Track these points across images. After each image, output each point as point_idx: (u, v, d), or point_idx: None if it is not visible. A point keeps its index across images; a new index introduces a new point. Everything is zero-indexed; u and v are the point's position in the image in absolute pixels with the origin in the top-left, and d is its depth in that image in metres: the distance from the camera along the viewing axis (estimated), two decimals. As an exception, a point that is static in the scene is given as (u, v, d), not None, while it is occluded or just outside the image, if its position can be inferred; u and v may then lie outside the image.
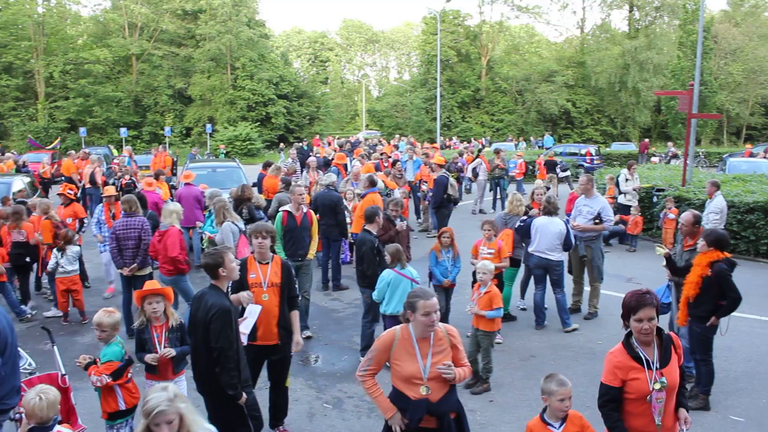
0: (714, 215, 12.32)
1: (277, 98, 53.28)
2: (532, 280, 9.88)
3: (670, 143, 37.55)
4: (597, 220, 9.88)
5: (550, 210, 9.25)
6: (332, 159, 19.67)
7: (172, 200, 12.85)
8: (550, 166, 23.46)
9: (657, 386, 4.03)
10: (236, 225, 9.26)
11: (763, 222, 13.98)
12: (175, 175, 22.70)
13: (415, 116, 57.63)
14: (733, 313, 6.81)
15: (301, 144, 29.92)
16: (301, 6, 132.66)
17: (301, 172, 21.08)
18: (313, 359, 8.45)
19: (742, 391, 7.33)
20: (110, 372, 5.25)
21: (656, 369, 4.05)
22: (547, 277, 9.44)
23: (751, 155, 31.67)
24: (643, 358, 4.07)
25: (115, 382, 5.28)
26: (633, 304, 4.07)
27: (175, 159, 26.39)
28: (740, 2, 63.91)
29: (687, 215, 7.61)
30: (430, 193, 15.70)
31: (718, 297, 6.67)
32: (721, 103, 53.49)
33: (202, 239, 11.05)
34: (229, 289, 5.47)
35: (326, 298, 11.25)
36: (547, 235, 9.16)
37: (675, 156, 33.22)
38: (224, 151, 39.99)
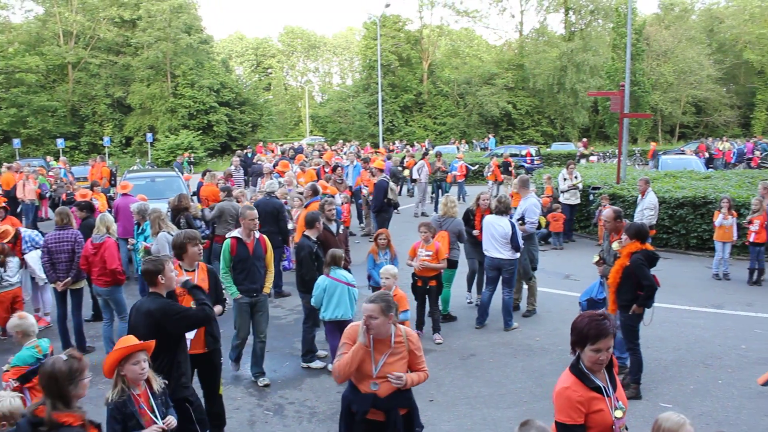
0: (649, 211, 12.73)
1: (218, 106, 52.52)
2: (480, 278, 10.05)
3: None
4: (520, 221, 10.08)
5: (501, 209, 9.34)
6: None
7: (110, 211, 12.63)
8: (505, 167, 23.86)
9: (618, 414, 3.67)
10: (172, 235, 9.15)
11: (692, 216, 14.48)
12: (114, 185, 22.28)
13: (358, 121, 57.85)
14: (663, 304, 7.07)
15: (245, 151, 29.60)
16: (243, 12, 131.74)
17: (246, 180, 20.98)
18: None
19: (672, 379, 7.60)
20: (17, 376, 5.19)
21: (612, 395, 3.69)
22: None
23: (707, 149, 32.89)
24: (602, 387, 3.65)
25: (24, 386, 5.20)
26: (592, 333, 3.58)
27: (113, 170, 25.89)
28: (670, 6, 66.18)
29: (608, 212, 7.96)
30: (370, 198, 15.79)
31: (638, 287, 6.93)
32: (655, 103, 55.24)
33: (136, 250, 10.87)
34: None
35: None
36: (492, 235, 9.30)
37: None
38: (189, 160, 38.24)
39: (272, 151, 33.36)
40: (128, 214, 11.91)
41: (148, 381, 4.33)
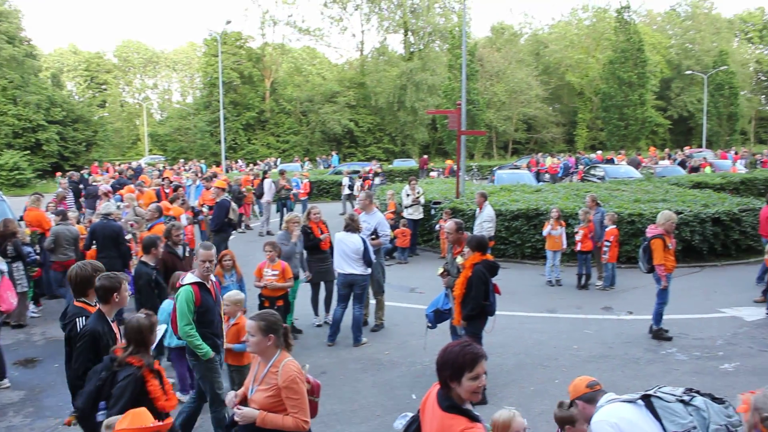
0: (487, 223, 13.31)
1: (48, 123, 48.98)
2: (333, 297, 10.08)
3: (448, 161, 39.90)
4: (374, 236, 10.28)
5: (352, 227, 9.45)
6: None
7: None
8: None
9: None
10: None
11: (526, 227, 15.38)
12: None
13: (199, 140, 56.49)
14: (504, 312, 7.42)
15: (79, 173, 27.76)
16: (77, 24, 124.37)
17: (76, 203, 19.76)
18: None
19: (514, 382, 8.00)
20: None
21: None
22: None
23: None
24: (479, 417, 3.38)
25: None
26: (468, 360, 3.30)
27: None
28: (501, 30, 70.50)
29: (450, 224, 8.32)
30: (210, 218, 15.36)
31: (487, 295, 7.26)
32: (489, 121, 58.23)
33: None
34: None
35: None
36: (344, 251, 9.36)
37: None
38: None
39: (107, 171, 31.78)
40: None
41: None
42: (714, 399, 3.43)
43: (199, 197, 17.61)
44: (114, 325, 5.06)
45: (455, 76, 47.75)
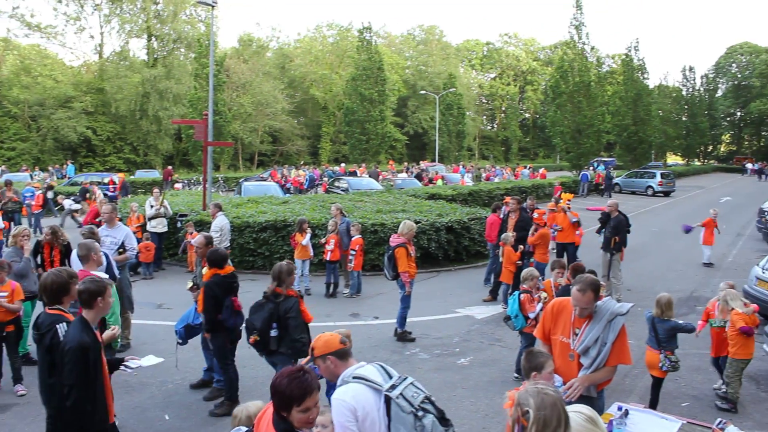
0: (215, 234, 13.17)
1: None
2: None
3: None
4: (121, 250, 9.73)
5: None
6: None
7: None
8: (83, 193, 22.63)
9: None
10: None
11: (275, 239, 15.47)
12: None
13: None
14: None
15: None
16: None
17: None
18: None
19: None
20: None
21: None
22: None
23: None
24: None
25: None
26: (296, 393, 3.22)
27: None
28: (248, 42, 70.55)
29: (199, 238, 8.24)
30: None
31: (219, 311, 7.21)
32: (236, 132, 57.82)
33: None
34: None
35: None
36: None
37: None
38: None
39: None
40: None
41: None
42: (442, 419, 3.64)
43: None
44: (97, 334, 4.85)
45: (201, 86, 46.78)
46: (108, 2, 57.94)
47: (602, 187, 40.74)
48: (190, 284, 8.21)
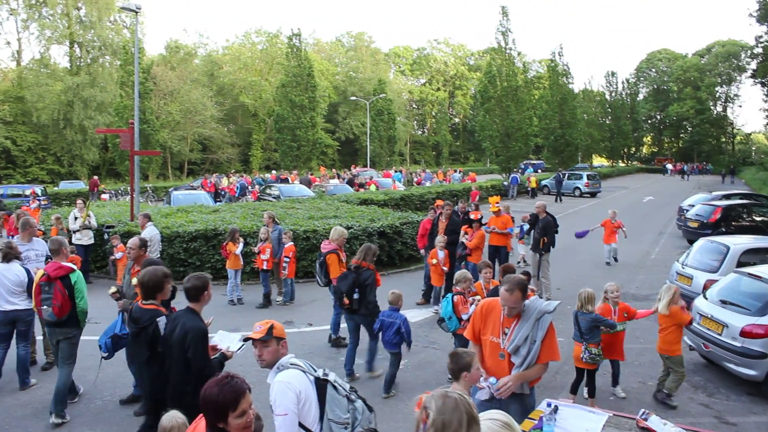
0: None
1: None
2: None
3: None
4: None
5: (11, 256, 8.49)
6: None
7: None
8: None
9: None
10: None
11: (205, 248, 15.24)
12: None
13: None
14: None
15: None
16: None
17: None
18: None
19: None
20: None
21: None
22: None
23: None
24: None
25: None
26: (230, 399, 3.18)
27: None
28: (176, 49, 69.37)
29: (135, 240, 8.22)
30: None
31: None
32: (164, 141, 56.74)
33: None
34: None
35: None
36: (3, 284, 8.34)
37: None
38: None
39: None
40: None
41: None
42: (367, 406, 4.22)
43: None
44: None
45: (127, 94, 45.72)
46: (26, 7, 56.09)
47: (535, 190, 41.37)
48: (114, 289, 8.03)
